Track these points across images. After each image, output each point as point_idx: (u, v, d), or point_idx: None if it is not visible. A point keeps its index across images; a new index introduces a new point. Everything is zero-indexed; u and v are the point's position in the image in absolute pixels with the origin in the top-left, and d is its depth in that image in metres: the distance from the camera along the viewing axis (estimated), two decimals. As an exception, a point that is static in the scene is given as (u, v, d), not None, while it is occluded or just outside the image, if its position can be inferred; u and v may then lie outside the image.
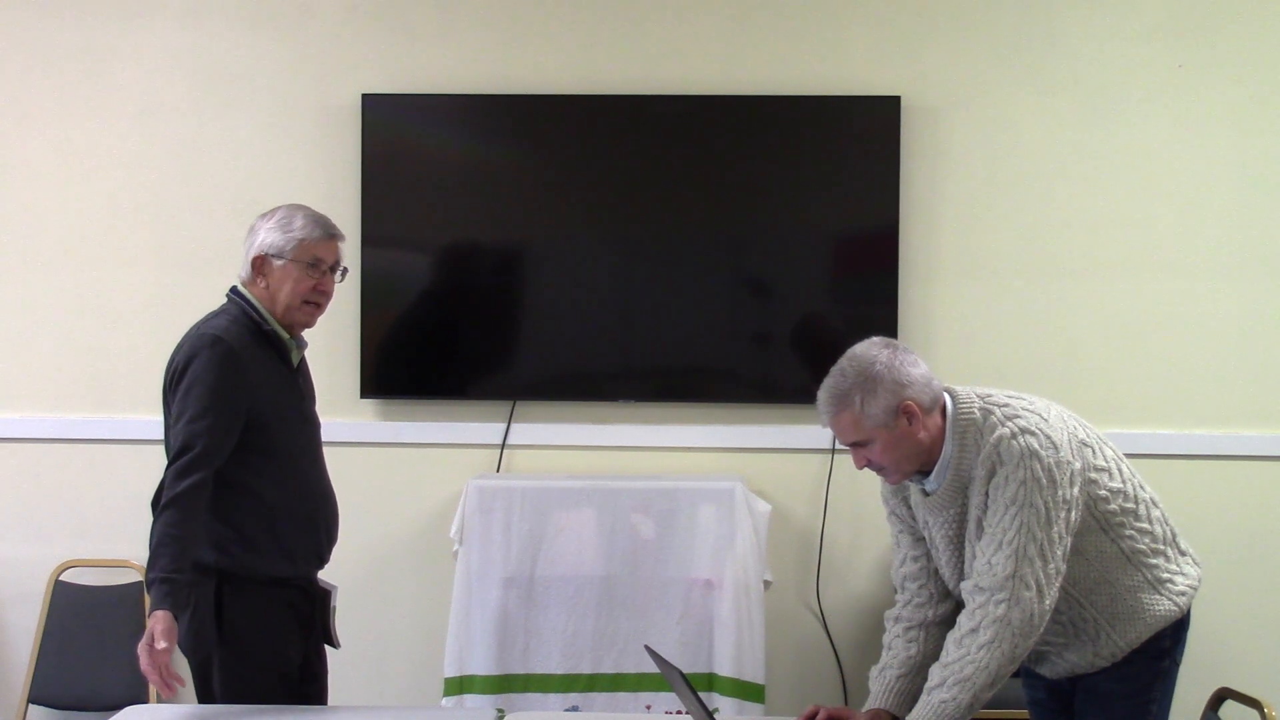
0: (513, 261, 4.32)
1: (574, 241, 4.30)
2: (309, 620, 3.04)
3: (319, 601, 3.06)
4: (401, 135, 4.26)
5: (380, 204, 4.22)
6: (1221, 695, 3.04)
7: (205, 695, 2.94)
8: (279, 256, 2.96)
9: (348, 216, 3.96)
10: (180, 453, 2.83)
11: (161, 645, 2.68)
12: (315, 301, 3.01)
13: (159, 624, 2.69)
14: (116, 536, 4.28)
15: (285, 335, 3.00)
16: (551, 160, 4.30)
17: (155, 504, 2.84)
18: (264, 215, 3.02)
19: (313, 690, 3.07)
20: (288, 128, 4.30)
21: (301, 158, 4.29)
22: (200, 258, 4.26)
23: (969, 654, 2.49)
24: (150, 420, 4.08)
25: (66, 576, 4.28)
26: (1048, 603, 2.50)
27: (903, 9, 4.24)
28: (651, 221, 4.28)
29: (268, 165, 4.29)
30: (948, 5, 4.23)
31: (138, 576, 4.25)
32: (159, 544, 2.75)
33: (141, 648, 2.70)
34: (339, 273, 3.05)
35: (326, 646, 3.13)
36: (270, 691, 2.89)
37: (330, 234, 3.02)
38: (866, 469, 2.63)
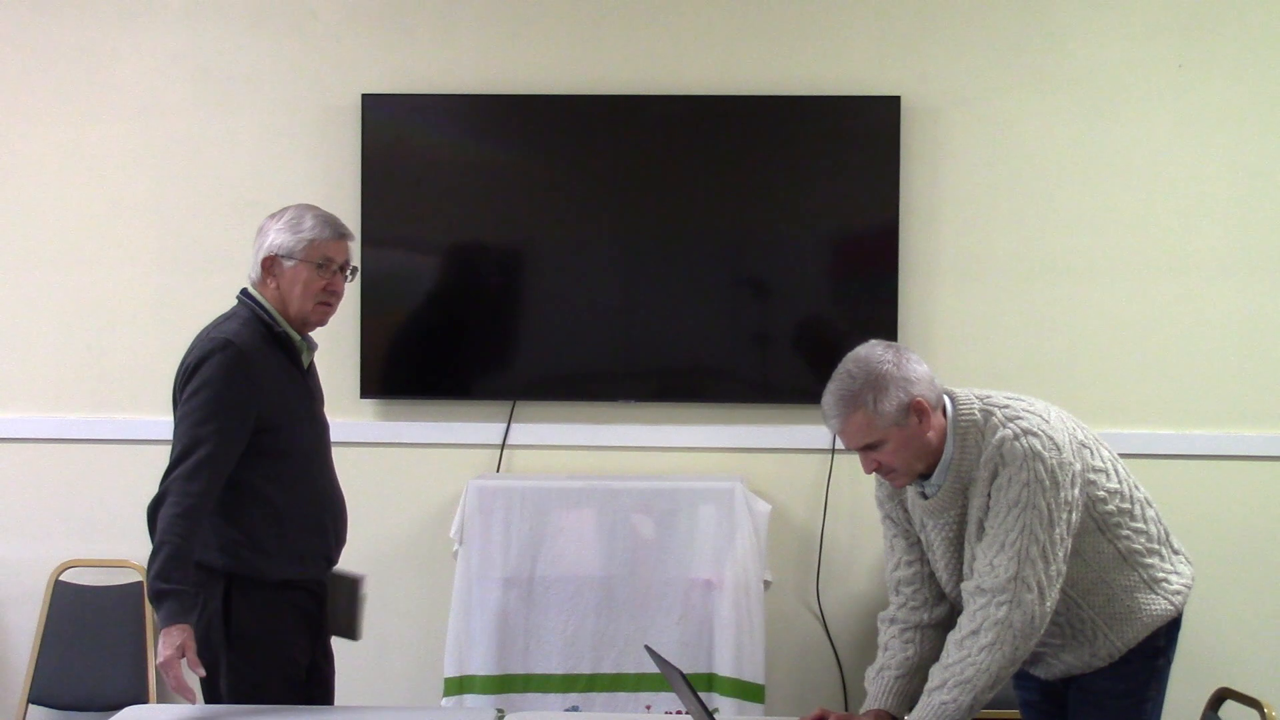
0: (513, 261, 4.32)
1: (574, 242, 4.30)
2: (317, 622, 3.03)
3: (342, 595, 3.05)
4: (401, 135, 4.26)
5: (380, 204, 4.22)
6: (1221, 695, 3.04)
7: (212, 697, 2.94)
8: (289, 257, 2.94)
9: (348, 216, 3.92)
10: (182, 457, 2.81)
11: (168, 656, 2.72)
12: (326, 301, 3.00)
13: (178, 638, 2.72)
14: (116, 536, 4.28)
15: (297, 337, 2.99)
16: (551, 160, 4.30)
17: (155, 506, 2.81)
18: (273, 215, 3.01)
19: (318, 693, 3.07)
20: (288, 128, 4.30)
21: (301, 158, 4.29)
22: (200, 257, 4.26)
23: (970, 656, 2.49)
24: (150, 420, 4.13)
25: (66, 576, 4.28)
26: (1049, 604, 2.50)
27: (903, 9, 4.24)
28: (651, 222, 4.28)
29: (268, 165, 4.29)
30: (948, 5, 4.23)
31: (138, 576, 4.25)
32: (170, 556, 2.75)
33: (166, 664, 2.74)
34: (349, 272, 3.05)
35: (345, 640, 3.11)
36: (276, 694, 2.89)
37: (340, 234, 3.01)
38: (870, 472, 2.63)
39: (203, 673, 2.79)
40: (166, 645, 2.72)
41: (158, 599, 2.75)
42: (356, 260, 3.14)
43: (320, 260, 2.96)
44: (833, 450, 4.17)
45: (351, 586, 3.08)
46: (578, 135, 4.27)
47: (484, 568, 3.96)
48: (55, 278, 4.33)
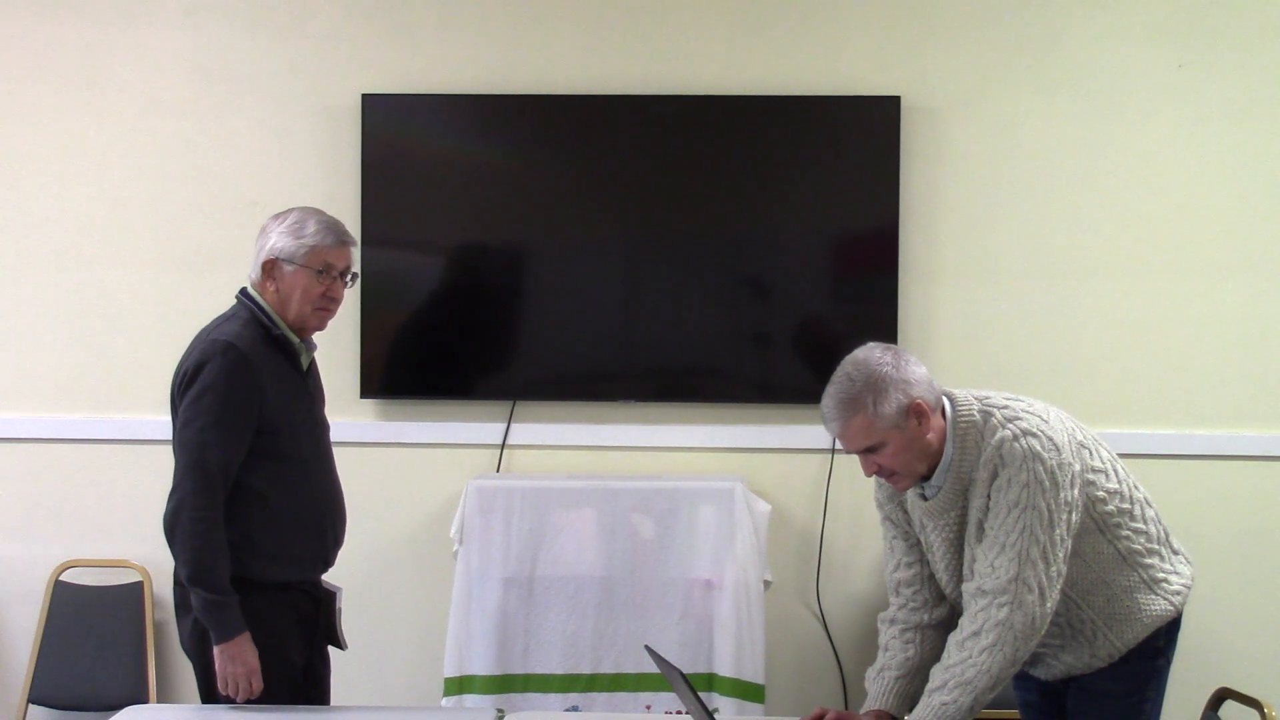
0: (513, 261, 4.32)
1: (574, 241, 4.30)
2: (313, 623, 3.03)
3: (323, 603, 3.06)
4: (401, 135, 4.26)
5: (380, 204, 4.22)
6: (1221, 695, 3.05)
7: (209, 697, 2.94)
8: (290, 261, 2.93)
9: (348, 217, 3.94)
10: (191, 465, 2.81)
11: (254, 665, 2.81)
12: (324, 307, 3.00)
13: (240, 649, 2.80)
14: (116, 536, 4.28)
15: (295, 339, 2.99)
16: (551, 160, 4.30)
17: (171, 518, 2.82)
18: (276, 217, 2.99)
19: (314, 693, 3.07)
20: (288, 128, 4.30)
21: (301, 158, 4.29)
22: (200, 257, 4.26)
23: (970, 657, 2.49)
24: (150, 420, 4.13)
25: (66, 576, 4.28)
26: (1049, 605, 2.51)
27: (903, 9, 4.23)
28: (651, 222, 4.28)
29: (268, 165, 4.29)
30: (948, 5, 4.23)
31: (138, 576, 4.25)
32: (205, 570, 2.79)
33: (236, 680, 2.80)
34: (349, 278, 3.05)
35: (331, 648, 3.13)
36: (274, 694, 2.89)
37: (342, 240, 3.00)
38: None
39: (259, 685, 2.84)
40: (235, 660, 2.79)
41: (208, 611, 2.80)
42: (357, 265, 3.14)
43: (321, 266, 2.96)
44: (833, 450, 4.17)
45: (328, 600, 3.08)
46: (578, 135, 4.27)
47: (484, 568, 3.96)
48: (55, 278, 4.33)
